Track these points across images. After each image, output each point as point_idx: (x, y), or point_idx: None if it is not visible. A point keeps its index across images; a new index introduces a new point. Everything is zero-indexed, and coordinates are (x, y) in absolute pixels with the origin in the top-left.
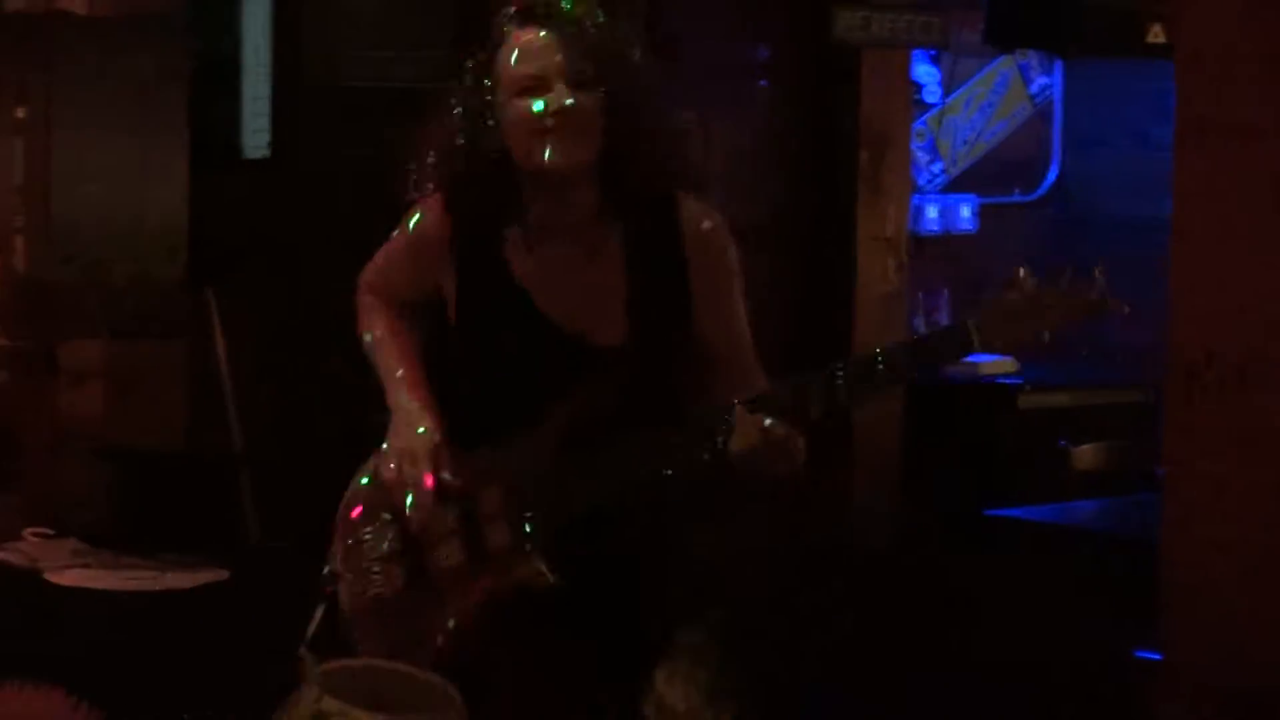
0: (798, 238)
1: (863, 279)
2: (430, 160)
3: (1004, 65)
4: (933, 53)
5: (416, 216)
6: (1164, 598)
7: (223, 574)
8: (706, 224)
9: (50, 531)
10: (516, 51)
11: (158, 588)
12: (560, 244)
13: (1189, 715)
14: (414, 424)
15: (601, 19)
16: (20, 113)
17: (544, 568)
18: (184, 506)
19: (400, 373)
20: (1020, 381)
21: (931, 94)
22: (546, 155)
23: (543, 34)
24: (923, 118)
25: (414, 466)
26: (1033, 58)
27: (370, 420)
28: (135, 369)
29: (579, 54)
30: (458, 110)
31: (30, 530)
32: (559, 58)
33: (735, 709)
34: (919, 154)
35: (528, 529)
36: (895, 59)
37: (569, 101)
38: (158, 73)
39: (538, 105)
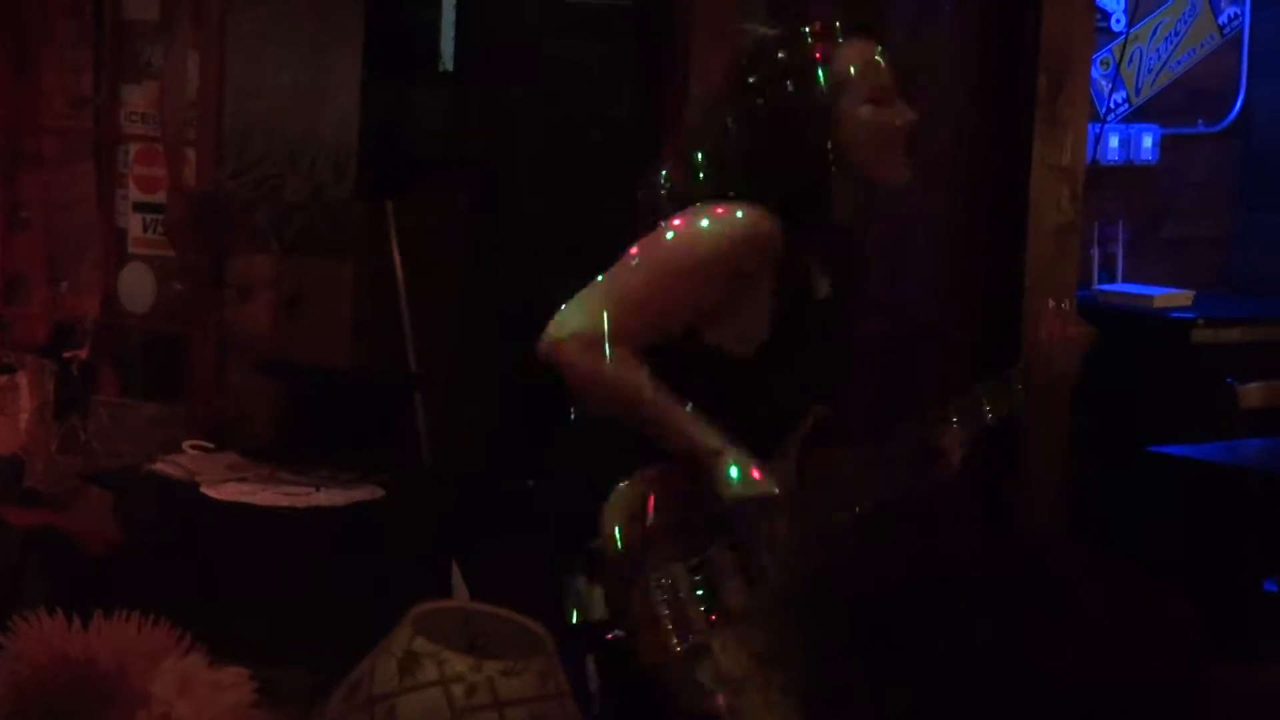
0: (974, 163)
1: (1036, 208)
2: (716, 163)
3: None
4: None
5: (729, 227)
6: None
7: (378, 492)
8: None
9: (210, 445)
10: (865, 61)
11: (310, 504)
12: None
13: None
14: (752, 470)
15: None
16: (195, 25)
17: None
18: (351, 425)
19: (695, 415)
20: (1194, 316)
21: (1118, 22)
22: (905, 168)
23: (879, 48)
24: (1108, 46)
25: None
26: None
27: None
28: (303, 285)
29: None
30: (772, 108)
31: (190, 443)
32: (892, 75)
33: (787, 675)
34: (1102, 83)
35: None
36: None
37: (912, 116)
38: None
39: (904, 117)
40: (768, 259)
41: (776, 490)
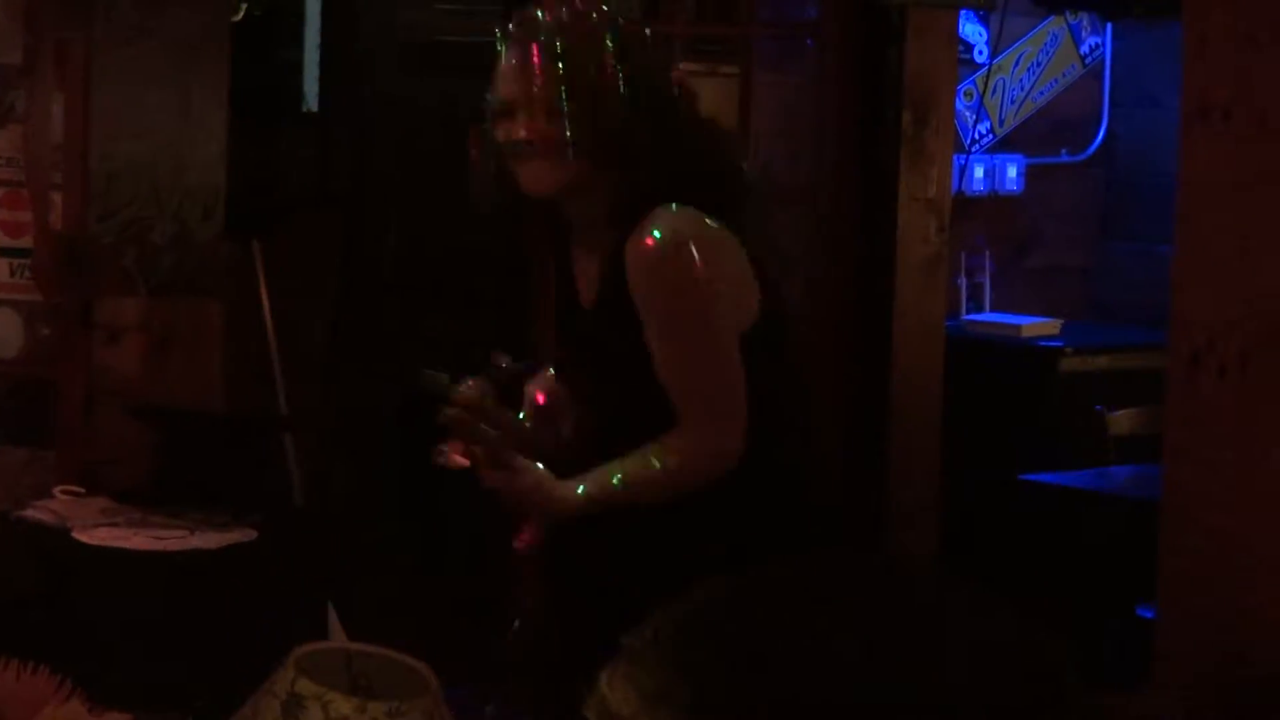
0: (841, 198)
1: (903, 241)
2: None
3: (1054, 25)
4: (981, 12)
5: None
6: (1161, 587)
7: (251, 534)
8: (640, 242)
9: (81, 490)
10: (499, 72)
11: (184, 547)
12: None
13: (1181, 704)
14: None
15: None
16: (59, 68)
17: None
18: (222, 468)
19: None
20: (1062, 344)
21: (980, 53)
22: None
23: (518, 56)
24: (971, 77)
25: None
26: (1083, 17)
27: (417, 382)
28: (172, 326)
29: (553, 77)
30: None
31: (61, 488)
32: (530, 83)
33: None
34: (966, 114)
35: None
36: (942, 18)
37: (523, 135)
38: (200, 26)
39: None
40: None
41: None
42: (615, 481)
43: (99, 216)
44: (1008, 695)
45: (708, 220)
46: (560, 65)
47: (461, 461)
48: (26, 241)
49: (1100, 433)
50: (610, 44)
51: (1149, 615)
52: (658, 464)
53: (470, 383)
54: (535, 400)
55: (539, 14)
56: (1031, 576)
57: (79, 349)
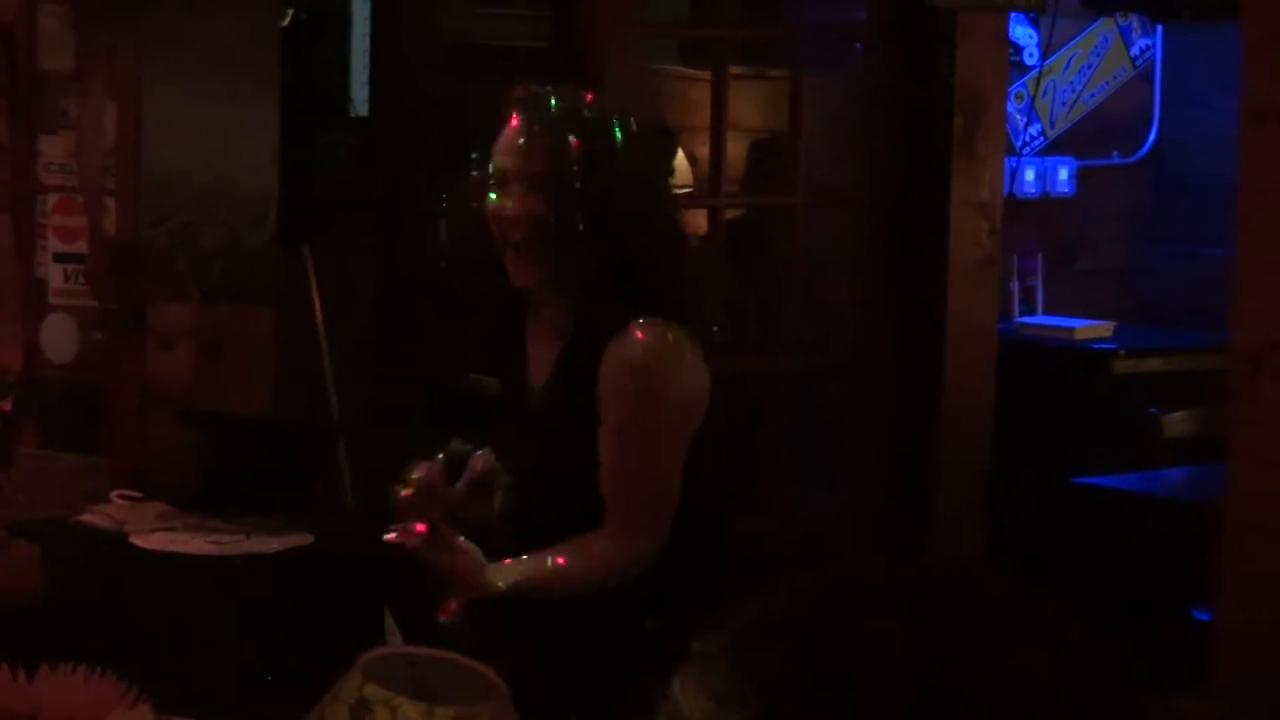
0: (891, 201)
1: (956, 243)
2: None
3: (1104, 26)
4: (1032, 14)
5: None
6: (1220, 590)
7: (307, 538)
8: (626, 348)
9: (137, 494)
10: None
11: (241, 551)
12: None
13: (1242, 707)
14: None
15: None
16: (111, 74)
17: None
18: (275, 472)
19: None
20: (1114, 347)
21: (1031, 56)
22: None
23: (524, 131)
24: (1021, 80)
25: None
26: (1133, 19)
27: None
28: (224, 332)
29: (553, 159)
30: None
31: (117, 493)
32: (530, 160)
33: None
34: (1017, 116)
35: None
36: (993, 21)
37: (509, 208)
38: (250, 32)
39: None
40: None
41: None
42: (546, 568)
43: (151, 222)
44: (1089, 700)
45: (685, 334)
46: (560, 151)
47: (413, 543)
48: (80, 247)
49: (1153, 435)
50: (617, 140)
51: (1204, 617)
52: (589, 559)
53: (424, 465)
54: (474, 469)
55: (551, 97)
56: (1084, 579)
57: (131, 354)
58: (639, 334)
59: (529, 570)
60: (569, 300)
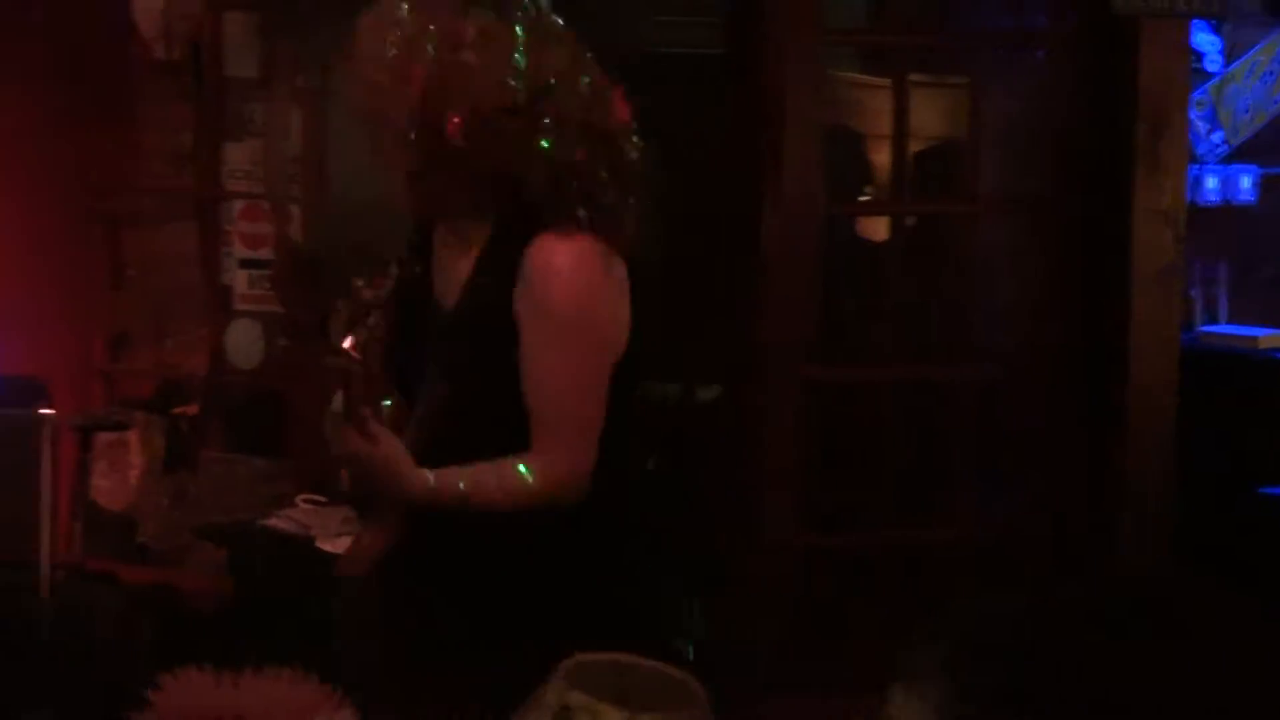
0: (1073, 210)
1: (1139, 252)
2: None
3: None
4: (1213, 21)
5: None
6: None
7: None
8: (549, 255)
9: (323, 499)
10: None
11: None
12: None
13: None
14: None
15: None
16: (298, 82)
17: None
18: None
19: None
20: None
21: (1213, 63)
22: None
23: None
24: (1203, 87)
25: None
26: None
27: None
28: None
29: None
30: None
31: (303, 497)
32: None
33: None
34: (1199, 124)
35: None
36: (1175, 28)
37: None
38: None
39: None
40: None
41: None
42: (464, 484)
43: (334, 229)
44: None
45: (608, 250)
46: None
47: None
48: (265, 253)
49: None
50: (520, 37)
51: None
52: (519, 477)
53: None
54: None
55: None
56: (1271, 592)
57: (314, 361)
58: (560, 242)
59: (452, 479)
60: (477, 221)
